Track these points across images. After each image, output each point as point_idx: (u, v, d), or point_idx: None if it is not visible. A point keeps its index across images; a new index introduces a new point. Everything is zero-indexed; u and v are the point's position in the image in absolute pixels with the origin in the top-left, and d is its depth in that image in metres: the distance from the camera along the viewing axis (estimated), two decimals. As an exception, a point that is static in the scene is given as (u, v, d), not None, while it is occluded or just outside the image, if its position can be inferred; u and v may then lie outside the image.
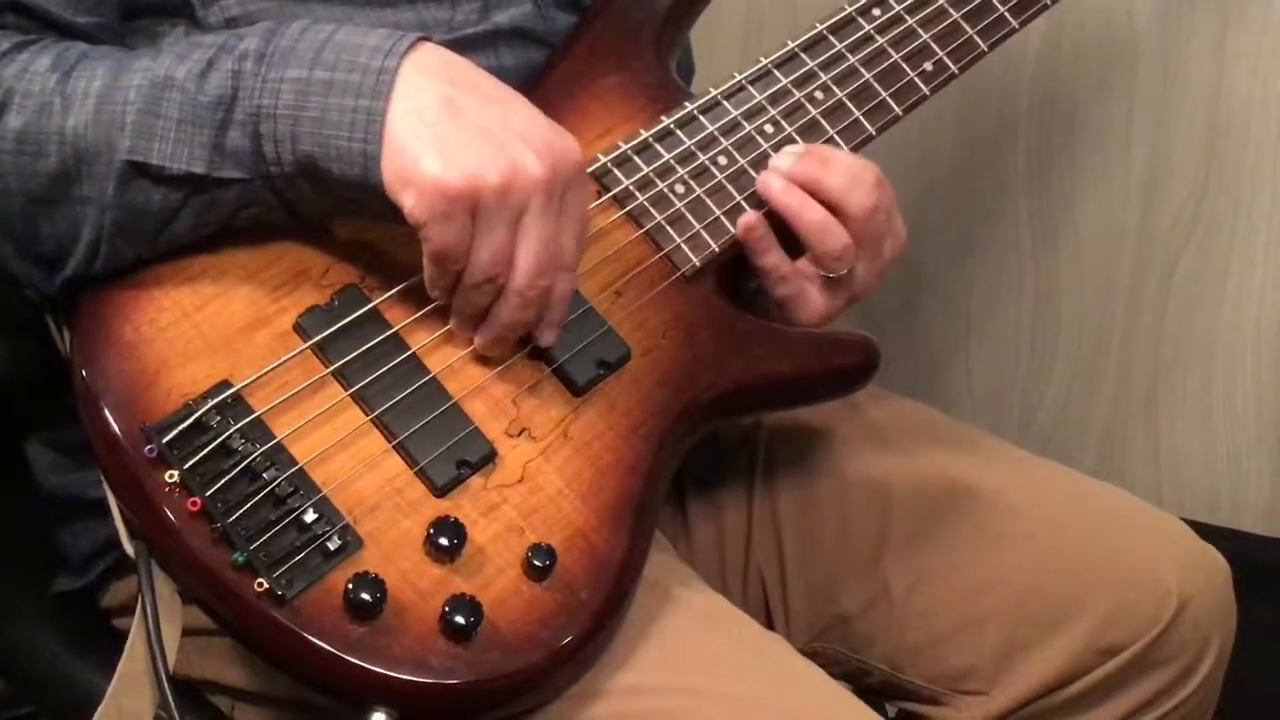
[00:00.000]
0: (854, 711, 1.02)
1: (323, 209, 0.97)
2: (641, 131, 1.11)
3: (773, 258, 1.10)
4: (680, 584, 1.06)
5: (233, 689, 1.09)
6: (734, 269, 1.13)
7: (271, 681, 1.06)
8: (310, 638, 0.89)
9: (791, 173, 1.10)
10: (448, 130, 0.92)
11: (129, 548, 0.93)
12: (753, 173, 1.12)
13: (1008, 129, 1.76)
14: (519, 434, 0.99)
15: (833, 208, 1.09)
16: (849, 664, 1.23)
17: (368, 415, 0.96)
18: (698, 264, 1.09)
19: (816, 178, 1.09)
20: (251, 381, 0.95)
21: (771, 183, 1.10)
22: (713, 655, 1.02)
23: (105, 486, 0.94)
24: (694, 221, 1.10)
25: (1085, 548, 1.19)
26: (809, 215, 1.09)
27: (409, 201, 0.92)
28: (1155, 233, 1.74)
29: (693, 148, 1.11)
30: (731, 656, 1.02)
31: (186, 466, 0.91)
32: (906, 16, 1.19)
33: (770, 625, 1.24)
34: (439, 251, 0.94)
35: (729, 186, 1.11)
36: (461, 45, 0.98)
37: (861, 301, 1.14)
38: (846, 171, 1.10)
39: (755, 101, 1.14)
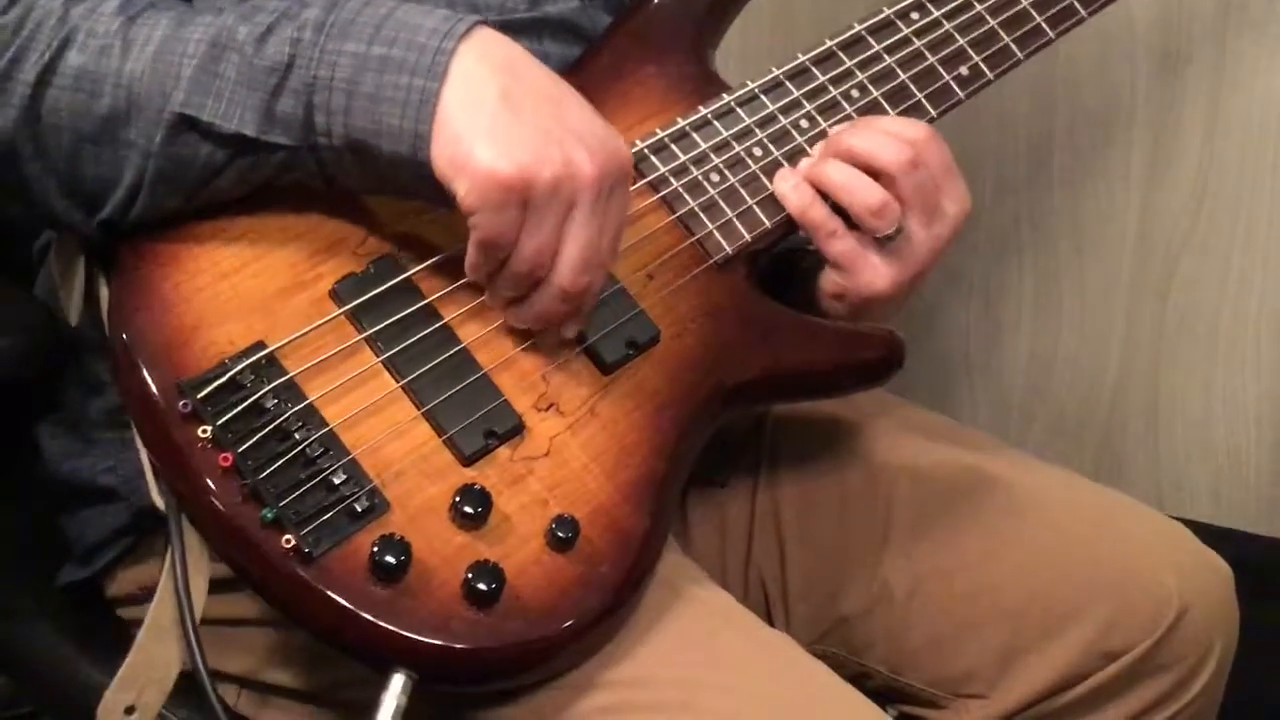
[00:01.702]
0: (860, 709, 1.03)
1: (361, 186, 0.98)
2: (679, 120, 1.12)
3: (816, 211, 1.10)
4: (688, 580, 1.06)
5: (238, 678, 1.10)
6: (790, 258, 1.14)
7: (277, 672, 1.07)
8: (335, 596, 0.90)
9: (821, 148, 1.12)
10: (504, 122, 0.93)
11: (158, 500, 0.94)
12: (787, 166, 1.13)
13: (1008, 129, 1.76)
14: (547, 408, 1.00)
15: (866, 168, 1.10)
16: (849, 666, 1.23)
17: (398, 382, 0.97)
18: (730, 251, 1.10)
19: (837, 143, 1.11)
20: (286, 344, 0.95)
21: (802, 162, 1.12)
22: (718, 650, 1.02)
23: (138, 443, 0.95)
24: (727, 210, 1.11)
25: (1086, 552, 1.19)
26: (834, 173, 1.10)
27: (462, 188, 0.92)
28: (1155, 233, 1.74)
29: (729, 138, 1.13)
30: (737, 652, 1.03)
31: (220, 423, 0.92)
32: (945, 22, 1.21)
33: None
34: (486, 239, 0.94)
35: (763, 177, 1.12)
36: (509, 29, 0.99)
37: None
38: (877, 130, 1.11)
39: (792, 97, 1.15)
